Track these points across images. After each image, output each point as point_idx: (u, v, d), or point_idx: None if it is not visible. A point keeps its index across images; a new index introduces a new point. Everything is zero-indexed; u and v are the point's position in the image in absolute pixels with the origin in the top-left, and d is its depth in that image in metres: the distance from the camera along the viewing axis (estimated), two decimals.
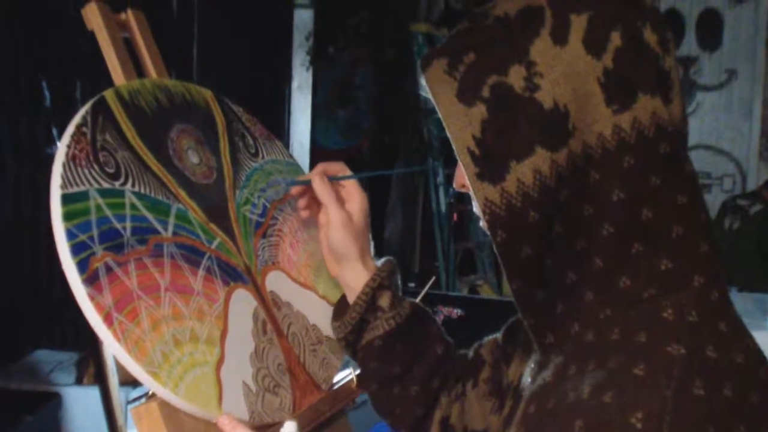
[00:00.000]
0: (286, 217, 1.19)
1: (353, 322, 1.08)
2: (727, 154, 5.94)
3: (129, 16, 1.11)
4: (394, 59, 4.60)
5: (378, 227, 4.95)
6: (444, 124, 0.81)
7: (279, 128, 4.57)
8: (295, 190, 1.14)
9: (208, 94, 1.17)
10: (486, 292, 4.32)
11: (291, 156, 1.29)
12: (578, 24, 0.77)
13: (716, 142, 5.93)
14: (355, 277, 1.09)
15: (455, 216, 4.71)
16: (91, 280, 0.85)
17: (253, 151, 1.20)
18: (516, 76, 0.77)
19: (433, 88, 0.82)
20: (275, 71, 4.53)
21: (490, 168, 0.79)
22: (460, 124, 0.79)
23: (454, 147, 0.81)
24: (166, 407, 0.90)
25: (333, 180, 1.09)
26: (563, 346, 0.83)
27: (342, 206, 1.08)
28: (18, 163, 2.77)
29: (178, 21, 3.69)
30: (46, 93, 2.31)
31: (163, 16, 3.58)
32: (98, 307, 0.84)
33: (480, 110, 0.78)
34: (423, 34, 4.71)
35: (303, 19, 4.56)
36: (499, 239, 0.81)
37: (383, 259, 1.12)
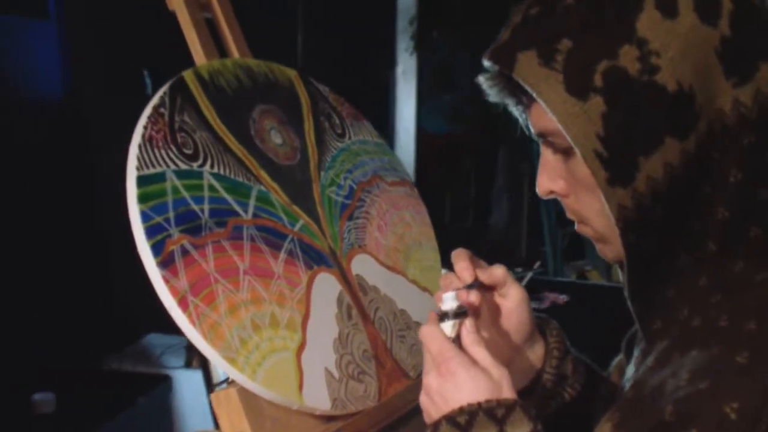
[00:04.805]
0: (373, 199, 1.16)
1: (541, 399, 0.95)
2: None
3: None
4: None
5: (484, 212, 4.87)
6: (559, 124, 0.70)
7: (384, 114, 4.55)
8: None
9: (292, 73, 1.15)
10: (595, 278, 4.17)
11: (380, 136, 1.25)
12: None
13: None
14: (531, 354, 0.95)
15: None
16: (166, 263, 0.83)
17: (339, 131, 1.17)
18: (628, 58, 0.68)
19: (535, 84, 0.71)
20: (380, 57, 4.51)
21: (619, 170, 0.69)
22: (581, 123, 0.69)
23: (577, 151, 0.71)
24: (245, 393, 0.87)
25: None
26: (670, 331, 0.77)
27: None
28: (122, 151, 2.83)
29: (283, 8, 3.72)
30: (148, 81, 2.35)
31: (268, 3, 3.62)
32: (173, 290, 0.83)
33: (597, 103, 0.68)
34: None
35: (406, 4, 4.52)
36: (630, 241, 0.73)
37: (551, 324, 0.98)
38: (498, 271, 0.91)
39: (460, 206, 5.06)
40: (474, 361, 0.78)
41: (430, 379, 0.79)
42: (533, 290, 2.98)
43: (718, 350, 0.68)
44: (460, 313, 0.81)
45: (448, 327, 0.80)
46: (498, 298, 0.93)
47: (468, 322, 0.81)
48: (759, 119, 0.70)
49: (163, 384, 2.86)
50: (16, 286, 2.49)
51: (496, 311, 0.93)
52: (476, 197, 4.99)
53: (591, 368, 1.01)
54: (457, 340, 0.80)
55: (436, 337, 0.79)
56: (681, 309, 0.76)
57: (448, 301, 0.81)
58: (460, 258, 0.90)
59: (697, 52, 0.68)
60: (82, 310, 2.69)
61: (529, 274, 1.96)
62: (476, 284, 0.89)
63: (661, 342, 0.77)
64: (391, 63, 4.55)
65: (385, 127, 4.56)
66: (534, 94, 0.72)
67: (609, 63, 0.68)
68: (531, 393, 0.95)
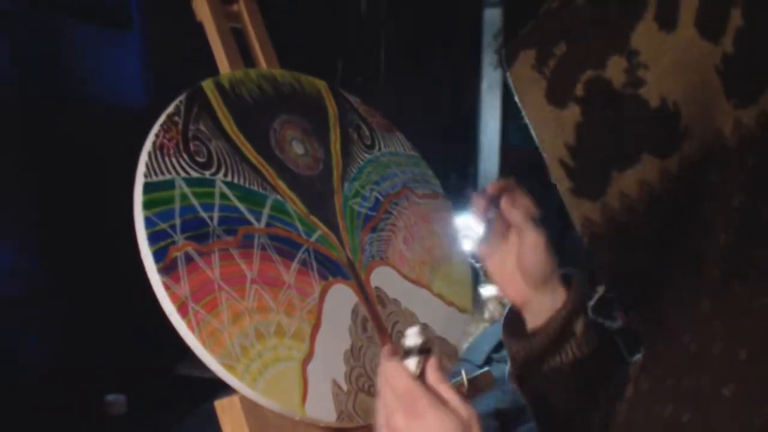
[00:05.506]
0: (401, 212, 1.14)
1: (544, 343, 0.94)
2: None
3: (241, 6, 1.11)
4: None
5: (565, 229, 4.78)
6: (532, 130, 0.71)
7: (468, 128, 4.52)
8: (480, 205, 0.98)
9: (321, 84, 1.15)
10: None
11: (413, 148, 1.24)
12: (689, 3, 0.66)
13: None
14: (548, 300, 0.95)
15: None
16: (168, 269, 0.84)
17: (368, 142, 1.16)
18: (615, 70, 0.67)
19: (519, 87, 0.72)
20: (465, 71, 4.49)
21: (586, 181, 0.70)
22: (551, 131, 0.70)
23: (544, 157, 0.71)
24: (248, 402, 0.88)
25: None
26: (669, 356, 0.73)
27: (537, 224, 0.95)
28: None
29: (367, 24, 3.74)
30: None
31: (352, 20, 3.65)
32: (173, 296, 0.83)
33: (573, 113, 0.68)
34: None
35: (492, 17, 4.49)
36: (603, 259, 0.71)
37: (574, 281, 0.97)
38: (514, 213, 0.92)
39: (544, 219, 5.00)
40: (443, 401, 0.75)
41: (396, 420, 0.75)
42: (608, 309, 2.89)
43: (706, 380, 0.65)
44: (424, 350, 0.77)
45: (413, 364, 0.76)
46: (519, 237, 0.93)
47: (433, 360, 0.77)
48: (763, 141, 0.66)
49: (231, 391, 2.91)
50: (94, 292, 2.58)
51: (517, 247, 0.94)
52: (559, 210, 4.92)
53: (608, 343, 0.96)
54: (420, 378, 0.76)
55: (401, 374, 0.76)
56: (681, 334, 0.72)
57: (412, 337, 0.77)
58: (499, 181, 0.93)
59: (692, 69, 0.65)
60: (156, 315, 2.77)
61: (599, 292, 1.90)
62: (498, 204, 0.92)
63: (659, 366, 0.74)
64: (476, 77, 4.52)
65: (472, 141, 4.53)
66: (516, 97, 0.71)
67: (594, 73, 0.67)
68: (534, 336, 0.93)
